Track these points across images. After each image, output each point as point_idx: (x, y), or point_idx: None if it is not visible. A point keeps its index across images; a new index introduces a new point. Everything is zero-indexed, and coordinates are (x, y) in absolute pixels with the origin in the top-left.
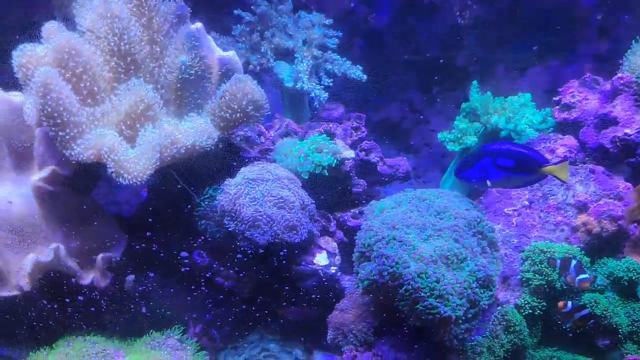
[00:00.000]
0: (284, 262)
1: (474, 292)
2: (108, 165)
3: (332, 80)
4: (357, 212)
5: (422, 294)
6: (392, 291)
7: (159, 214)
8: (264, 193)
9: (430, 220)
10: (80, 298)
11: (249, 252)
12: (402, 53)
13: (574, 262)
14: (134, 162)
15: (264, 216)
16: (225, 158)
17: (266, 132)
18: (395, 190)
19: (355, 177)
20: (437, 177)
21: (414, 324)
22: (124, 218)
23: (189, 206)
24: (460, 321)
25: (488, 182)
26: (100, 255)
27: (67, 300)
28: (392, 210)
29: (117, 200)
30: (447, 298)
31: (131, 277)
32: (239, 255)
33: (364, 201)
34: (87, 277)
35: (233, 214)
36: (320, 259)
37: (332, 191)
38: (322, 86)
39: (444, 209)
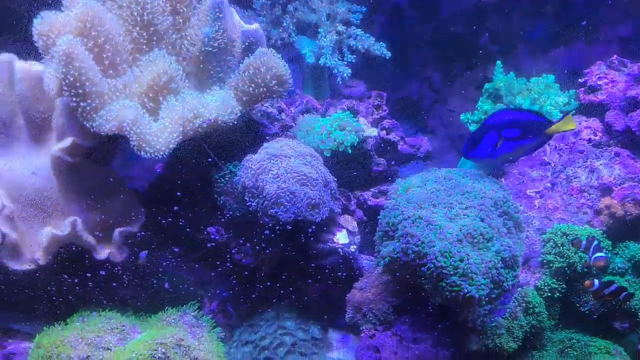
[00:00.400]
0: (304, 239)
1: (498, 273)
2: (130, 138)
3: (355, 56)
4: (376, 191)
5: (446, 272)
6: (415, 269)
7: (175, 189)
8: (287, 169)
9: (457, 199)
10: (97, 273)
11: (270, 229)
12: (424, 31)
13: (595, 242)
14: (156, 136)
15: (287, 193)
16: (245, 134)
17: (286, 108)
18: (413, 170)
19: (376, 156)
20: (453, 158)
21: (437, 302)
22: (139, 193)
23: (218, 178)
24: (484, 302)
25: (502, 157)
26: (118, 230)
27: (83, 275)
28: (417, 189)
29: (131, 175)
30: (471, 277)
31: (144, 253)
32: (262, 232)
33: (384, 180)
34: (104, 252)
35: (255, 191)
36: (341, 238)
37: (352, 169)
38: (345, 62)
39: (470, 188)
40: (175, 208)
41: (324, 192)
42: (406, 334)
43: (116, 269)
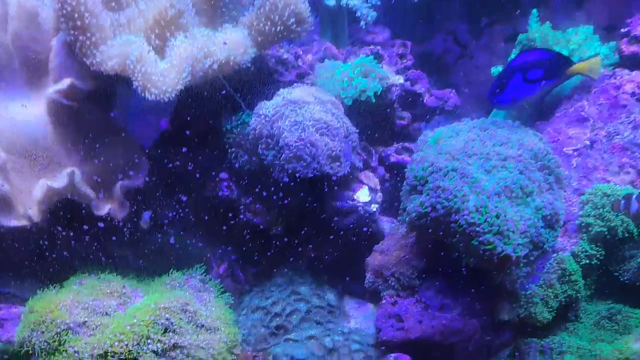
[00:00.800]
0: (321, 197)
1: (538, 232)
2: (134, 78)
3: None
4: (400, 147)
5: (479, 230)
6: (445, 226)
7: (182, 141)
8: (306, 117)
9: (494, 150)
10: (96, 230)
11: (284, 186)
12: None
13: (635, 194)
14: (163, 76)
15: (307, 144)
16: (258, 81)
17: (303, 55)
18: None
19: (399, 109)
20: (479, 117)
21: (470, 264)
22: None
23: (230, 128)
24: (522, 263)
25: (529, 98)
26: (119, 184)
27: (81, 233)
28: (449, 140)
29: (133, 130)
30: (507, 235)
31: (147, 214)
32: (275, 189)
33: (406, 137)
34: (104, 208)
35: (270, 141)
36: (361, 195)
37: (374, 122)
38: (369, 5)
39: (506, 139)
40: (184, 149)
41: (345, 144)
42: (432, 301)
43: (116, 223)
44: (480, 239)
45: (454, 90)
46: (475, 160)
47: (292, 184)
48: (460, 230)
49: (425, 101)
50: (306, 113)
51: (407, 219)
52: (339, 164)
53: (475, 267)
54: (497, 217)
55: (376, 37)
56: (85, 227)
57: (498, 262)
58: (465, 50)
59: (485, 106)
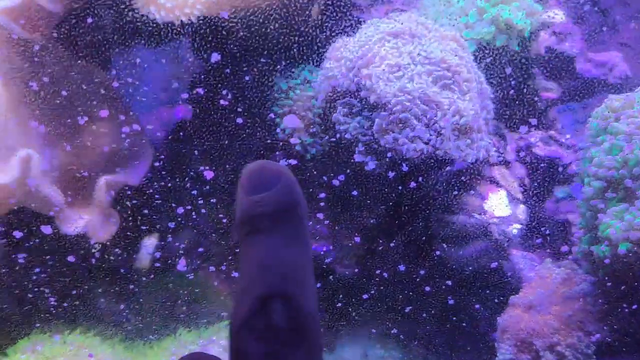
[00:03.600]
0: (427, 202)
1: None
2: None
3: None
4: (546, 135)
5: None
6: None
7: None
8: (414, 57)
9: None
10: (64, 262)
11: (372, 178)
12: None
13: None
14: None
15: (417, 101)
16: (321, 23)
17: None
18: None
19: (540, 76)
20: None
21: None
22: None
23: (284, 88)
24: None
25: None
26: (104, 179)
27: (43, 264)
28: None
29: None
30: None
31: (151, 243)
32: (350, 189)
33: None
34: (77, 221)
35: (353, 99)
36: (497, 205)
37: (506, 88)
38: None
39: None
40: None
41: (479, 109)
42: None
43: (88, 251)
44: None
45: (619, 54)
46: None
47: (386, 174)
48: None
49: (578, 68)
50: (415, 51)
51: (602, 251)
52: (469, 141)
53: None
54: None
55: None
56: (52, 253)
57: None
58: None
59: None
